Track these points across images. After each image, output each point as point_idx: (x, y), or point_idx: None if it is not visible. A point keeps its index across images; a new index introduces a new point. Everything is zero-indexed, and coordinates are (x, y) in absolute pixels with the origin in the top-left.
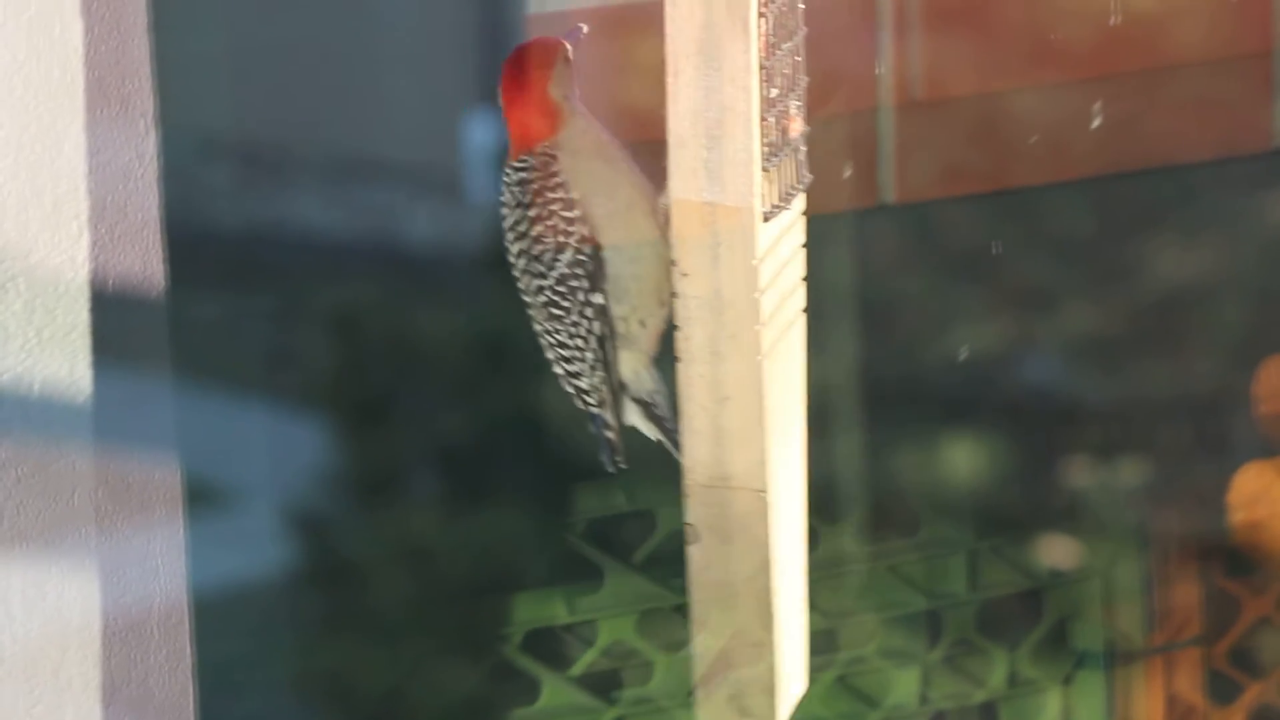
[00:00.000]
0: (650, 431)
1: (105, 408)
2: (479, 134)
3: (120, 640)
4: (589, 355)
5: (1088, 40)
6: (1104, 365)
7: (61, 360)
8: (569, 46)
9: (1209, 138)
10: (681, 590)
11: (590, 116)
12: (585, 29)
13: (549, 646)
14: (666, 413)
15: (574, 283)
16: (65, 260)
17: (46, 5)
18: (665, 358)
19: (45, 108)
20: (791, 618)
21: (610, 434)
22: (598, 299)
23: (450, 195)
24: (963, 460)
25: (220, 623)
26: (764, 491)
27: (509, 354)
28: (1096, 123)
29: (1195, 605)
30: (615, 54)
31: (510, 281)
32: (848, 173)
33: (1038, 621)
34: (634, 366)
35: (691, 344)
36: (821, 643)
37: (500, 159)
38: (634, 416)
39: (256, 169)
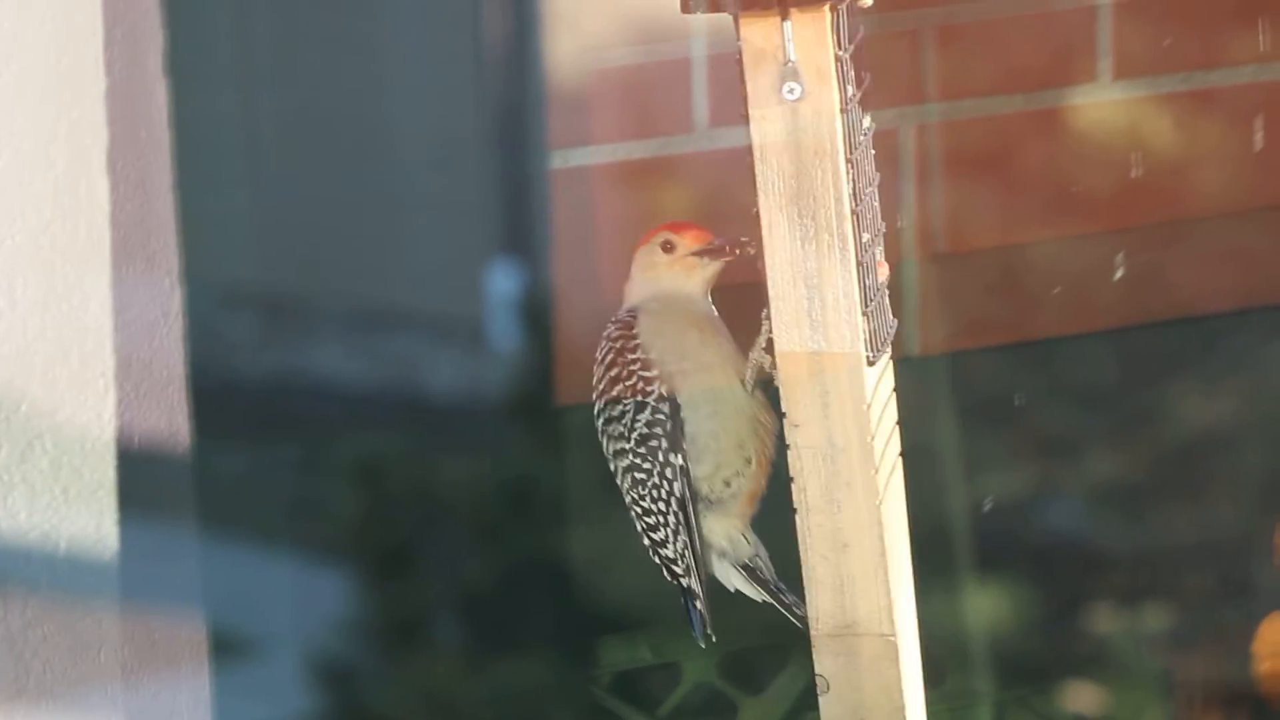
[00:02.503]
0: (755, 594)
1: (131, 563)
2: (500, 283)
3: None
4: (671, 519)
5: (1109, 192)
6: (1128, 513)
7: (88, 517)
8: (677, 239)
9: (1231, 288)
10: None
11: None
12: (739, 247)
13: None
14: (770, 575)
15: (653, 443)
16: (92, 417)
17: (73, 164)
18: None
19: (72, 265)
20: None
21: (698, 604)
22: (677, 459)
23: (472, 344)
24: (988, 609)
25: None
26: (892, 636)
27: (532, 502)
28: (1119, 274)
29: None
30: (640, 203)
31: (531, 430)
32: None
33: None
34: (728, 532)
35: (808, 494)
36: None
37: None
38: (738, 581)
39: (280, 321)
